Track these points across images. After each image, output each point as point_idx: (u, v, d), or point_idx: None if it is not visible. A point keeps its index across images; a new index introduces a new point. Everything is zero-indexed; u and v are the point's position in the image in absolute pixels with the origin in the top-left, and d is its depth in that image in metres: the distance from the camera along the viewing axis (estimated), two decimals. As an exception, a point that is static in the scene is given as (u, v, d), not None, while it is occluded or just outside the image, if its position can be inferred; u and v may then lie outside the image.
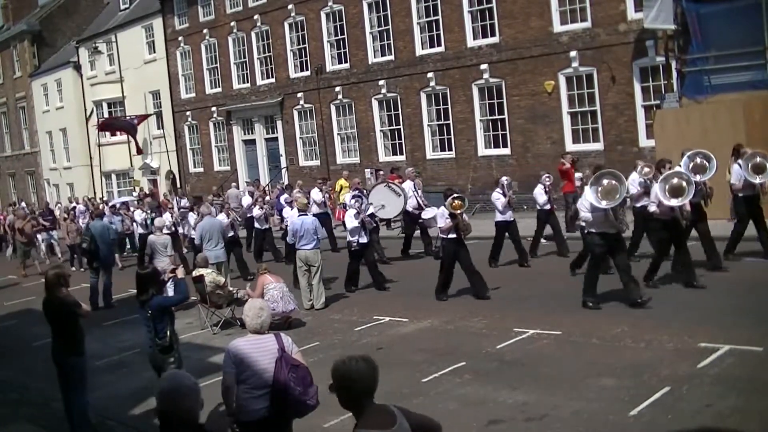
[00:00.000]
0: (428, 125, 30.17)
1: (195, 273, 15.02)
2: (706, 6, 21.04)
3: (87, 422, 9.80)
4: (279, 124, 36.28)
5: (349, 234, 16.60)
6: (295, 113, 35.29)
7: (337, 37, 32.98)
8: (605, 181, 12.85)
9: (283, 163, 36.02)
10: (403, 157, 30.80)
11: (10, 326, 18.28)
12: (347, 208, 18.17)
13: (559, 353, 11.16)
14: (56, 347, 9.69)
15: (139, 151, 41.87)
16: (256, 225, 22.47)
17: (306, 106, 34.65)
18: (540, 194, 18.42)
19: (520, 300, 14.58)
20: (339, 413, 9.57)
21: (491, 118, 28.08)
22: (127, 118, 41.10)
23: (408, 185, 20.73)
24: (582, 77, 25.33)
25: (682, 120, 21.18)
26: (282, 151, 36.26)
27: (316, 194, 23.26)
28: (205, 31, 39.13)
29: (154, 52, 42.75)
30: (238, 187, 33.10)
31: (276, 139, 36.75)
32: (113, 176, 46.21)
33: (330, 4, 32.69)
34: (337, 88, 32.99)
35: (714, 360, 9.95)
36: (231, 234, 19.42)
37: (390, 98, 31.26)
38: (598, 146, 24.97)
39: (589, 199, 12.88)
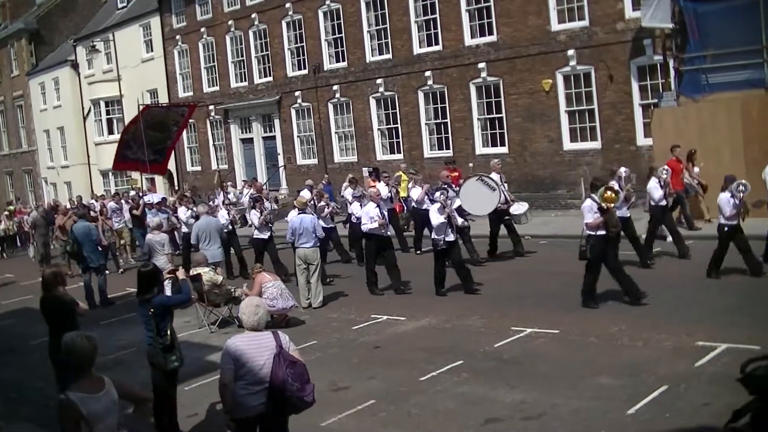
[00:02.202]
0: (426, 124, 30.15)
1: (192, 272, 15.00)
2: (703, 5, 21.04)
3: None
4: (276, 122, 36.24)
5: (435, 232, 15.23)
6: (293, 112, 35.26)
7: (334, 36, 32.94)
8: None
9: (281, 161, 36.00)
10: (400, 156, 30.79)
11: (9, 325, 18.27)
12: (431, 202, 16.60)
13: (557, 352, 11.17)
14: (54, 346, 9.68)
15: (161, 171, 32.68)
16: (321, 223, 20.11)
17: (303, 104, 34.62)
18: (655, 188, 16.60)
19: (518, 298, 14.58)
20: (336, 412, 9.65)
21: (489, 116, 28.06)
22: (163, 105, 34.88)
23: (494, 178, 18.47)
24: (579, 76, 25.32)
25: (679, 119, 21.20)
26: (279, 149, 36.24)
27: (382, 189, 21.50)
28: (202, 29, 39.08)
29: (152, 50, 42.72)
30: (234, 186, 33.03)
31: (273, 137, 36.71)
32: (110, 175, 46.15)
33: (327, 2, 32.65)
34: (335, 87, 32.97)
35: (711, 358, 9.97)
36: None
37: (387, 97, 31.24)
38: (596, 145, 24.97)
39: None
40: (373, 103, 31.80)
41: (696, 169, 19.70)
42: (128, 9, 45.78)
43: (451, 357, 11.31)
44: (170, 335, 9.20)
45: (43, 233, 27.62)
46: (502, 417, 8.97)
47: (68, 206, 29.76)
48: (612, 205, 12.89)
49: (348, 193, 22.61)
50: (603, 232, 12.99)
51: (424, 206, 19.51)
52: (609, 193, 12.88)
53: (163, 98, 42.22)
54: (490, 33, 27.44)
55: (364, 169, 30.73)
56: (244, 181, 34.58)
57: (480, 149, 28.18)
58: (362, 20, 31.55)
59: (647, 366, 9.96)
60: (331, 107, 33.58)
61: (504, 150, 27.39)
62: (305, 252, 15.80)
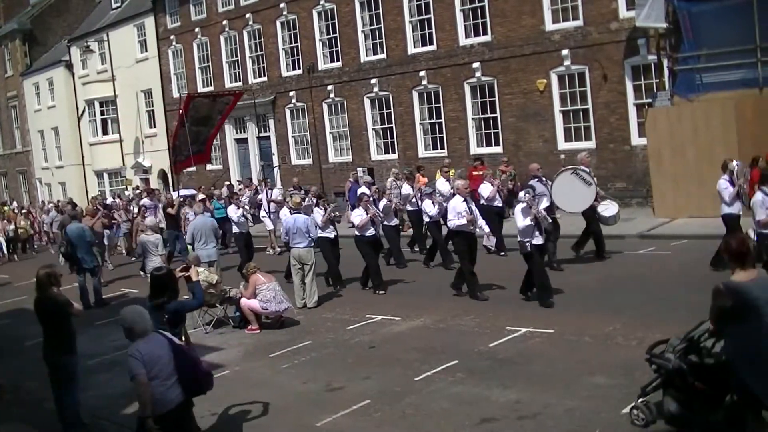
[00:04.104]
0: (420, 124, 30.15)
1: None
2: (697, 4, 21.08)
3: (79, 422, 9.79)
4: (271, 122, 36.22)
5: (520, 234, 13.63)
6: (288, 112, 35.24)
7: (329, 36, 32.93)
8: None
9: (276, 161, 35.97)
10: (395, 156, 30.82)
11: (3, 326, 18.25)
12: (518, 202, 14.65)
13: (551, 351, 11.17)
14: (48, 346, 9.67)
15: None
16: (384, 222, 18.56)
17: (298, 104, 34.60)
18: None
19: (512, 298, 14.56)
20: (332, 412, 9.65)
21: (483, 116, 28.08)
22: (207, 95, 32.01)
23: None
24: (574, 75, 25.33)
25: (673, 118, 21.24)
26: (274, 149, 36.21)
27: (442, 184, 20.52)
28: (196, 29, 39.04)
29: (146, 50, 42.65)
30: (231, 187, 32.98)
31: (268, 137, 36.68)
32: (105, 175, 46.10)
33: (322, 2, 32.64)
34: (329, 87, 32.96)
35: (706, 358, 9.96)
36: (371, 232, 16.72)
37: (382, 97, 31.24)
38: (590, 144, 24.96)
39: None
40: (367, 103, 31.80)
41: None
42: (122, 9, 45.68)
43: (446, 357, 11.31)
44: (184, 341, 9.04)
45: None
46: (497, 417, 8.98)
47: (96, 206, 27.52)
48: None
49: (405, 189, 21.23)
50: None
51: (496, 203, 18.74)
52: None
53: (158, 99, 42.28)
54: (485, 33, 27.47)
55: (358, 169, 30.74)
56: (239, 181, 34.55)
57: (474, 149, 28.19)
58: (356, 20, 31.55)
59: (641, 365, 9.90)
60: (325, 107, 33.57)
61: (499, 150, 27.42)
62: (299, 252, 15.78)
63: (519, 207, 13.71)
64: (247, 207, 21.00)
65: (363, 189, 20.86)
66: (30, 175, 54.65)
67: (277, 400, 10.31)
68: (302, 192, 23.38)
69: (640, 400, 8.21)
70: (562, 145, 25.75)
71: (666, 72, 22.46)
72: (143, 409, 7.12)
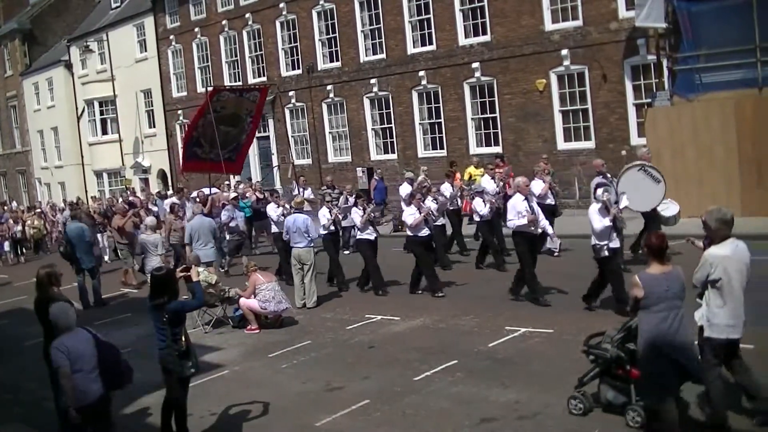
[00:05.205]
0: (420, 123, 30.15)
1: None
2: (697, 4, 21.08)
3: (78, 422, 9.78)
4: (270, 122, 36.22)
5: (596, 236, 12.57)
6: (287, 112, 35.22)
7: (328, 36, 32.94)
8: None
9: (275, 161, 35.97)
10: (394, 156, 30.81)
11: (2, 326, 18.24)
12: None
13: (550, 351, 11.18)
14: (47, 346, 9.66)
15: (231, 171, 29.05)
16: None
17: (297, 104, 34.62)
18: None
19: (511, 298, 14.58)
20: (331, 412, 9.66)
21: (483, 116, 28.08)
22: (233, 88, 29.32)
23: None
24: (573, 75, 25.33)
25: (673, 118, 21.25)
26: (273, 149, 36.21)
27: (487, 182, 19.43)
28: (196, 29, 39.04)
29: (146, 50, 42.66)
30: (229, 187, 32.94)
31: (267, 137, 36.69)
32: (104, 175, 46.09)
33: (321, 2, 32.65)
34: (329, 87, 32.96)
35: (705, 357, 9.94)
36: (425, 232, 15.71)
37: (381, 96, 31.24)
38: (590, 144, 24.99)
39: None
40: (367, 102, 31.80)
41: None
42: (122, 9, 45.70)
43: (446, 357, 11.32)
44: (185, 341, 8.99)
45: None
46: (497, 416, 8.99)
47: (126, 206, 25.26)
48: None
49: (445, 188, 19.91)
50: None
51: (548, 201, 17.65)
52: None
53: (157, 99, 42.24)
54: (484, 33, 27.47)
55: (357, 169, 30.75)
56: (238, 181, 34.51)
57: (474, 149, 28.20)
58: (356, 20, 31.56)
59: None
60: (324, 107, 33.58)
61: (498, 150, 27.40)
62: (299, 252, 15.78)
63: (594, 207, 12.66)
64: (287, 206, 19.73)
65: (406, 186, 20.19)
66: (29, 175, 54.64)
67: (276, 400, 10.32)
68: (335, 191, 22.99)
69: (577, 390, 8.68)
70: (562, 145, 25.76)
71: (665, 72, 22.46)
72: (69, 398, 7.65)
